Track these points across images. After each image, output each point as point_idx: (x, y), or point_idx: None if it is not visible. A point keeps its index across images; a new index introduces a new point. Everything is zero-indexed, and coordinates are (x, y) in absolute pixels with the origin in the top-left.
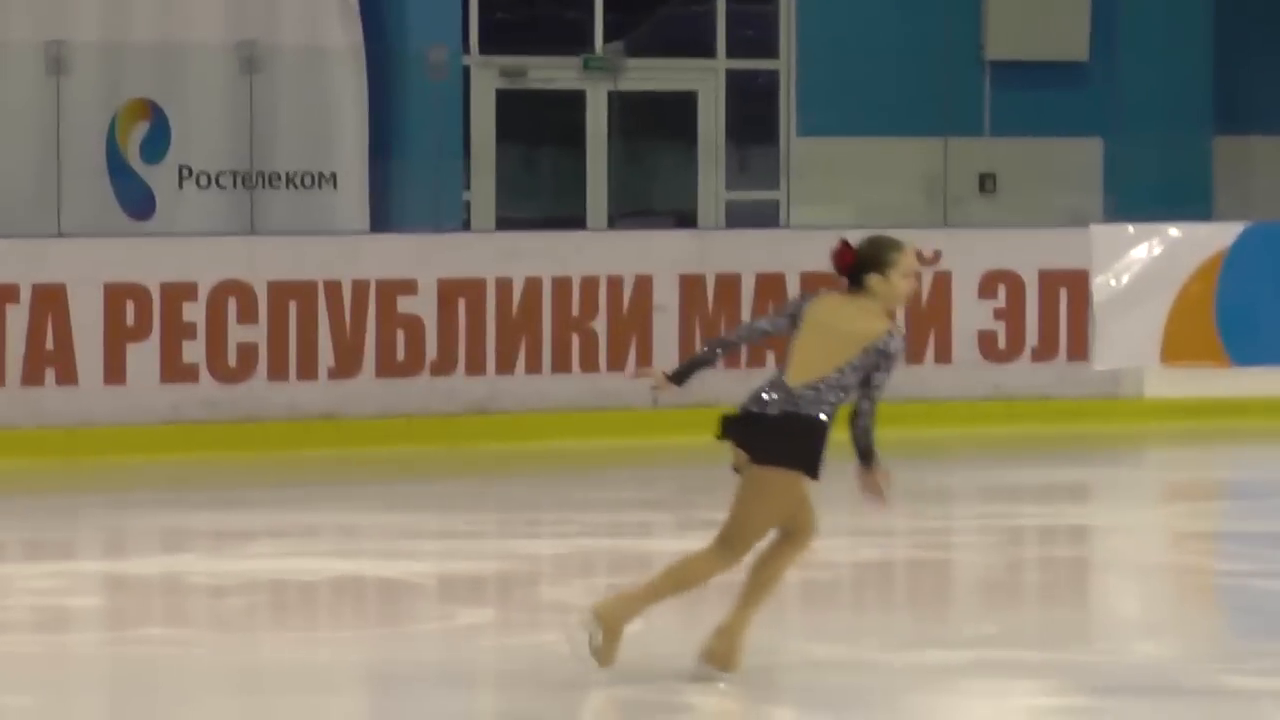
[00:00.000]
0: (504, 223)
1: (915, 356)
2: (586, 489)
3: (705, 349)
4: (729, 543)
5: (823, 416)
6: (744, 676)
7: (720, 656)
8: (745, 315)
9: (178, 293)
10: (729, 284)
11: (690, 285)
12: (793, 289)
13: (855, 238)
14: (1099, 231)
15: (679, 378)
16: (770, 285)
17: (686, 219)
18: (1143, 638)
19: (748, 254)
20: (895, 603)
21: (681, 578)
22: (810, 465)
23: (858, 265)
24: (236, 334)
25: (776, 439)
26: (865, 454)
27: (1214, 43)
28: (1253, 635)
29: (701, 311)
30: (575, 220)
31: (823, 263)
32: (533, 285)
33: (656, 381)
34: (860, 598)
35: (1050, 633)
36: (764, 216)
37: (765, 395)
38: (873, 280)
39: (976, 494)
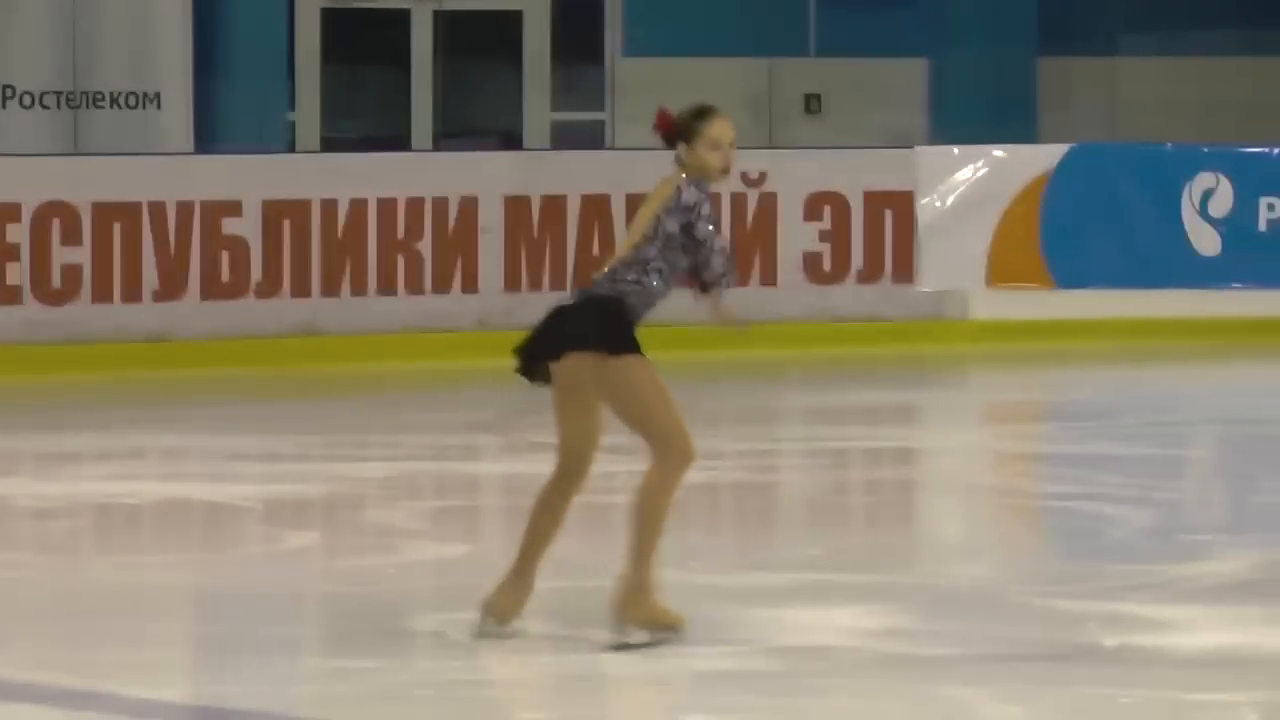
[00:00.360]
0: (328, 143)
1: (741, 279)
2: (412, 411)
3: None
4: (656, 442)
5: (615, 293)
6: (567, 599)
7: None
8: (571, 237)
9: (0, 214)
10: (554, 205)
11: (515, 206)
12: (618, 210)
13: None
14: (924, 153)
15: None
16: (596, 206)
17: (512, 139)
18: (967, 560)
19: (573, 175)
20: (721, 526)
21: (652, 512)
22: (612, 340)
23: (673, 135)
24: (61, 255)
25: (574, 325)
26: (707, 286)
27: None
28: (1076, 557)
29: (526, 233)
30: (400, 141)
31: (648, 183)
32: (358, 206)
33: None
34: (686, 520)
35: (875, 555)
36: (590, 137)
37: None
38: (681, 150)
39: (802, 416)
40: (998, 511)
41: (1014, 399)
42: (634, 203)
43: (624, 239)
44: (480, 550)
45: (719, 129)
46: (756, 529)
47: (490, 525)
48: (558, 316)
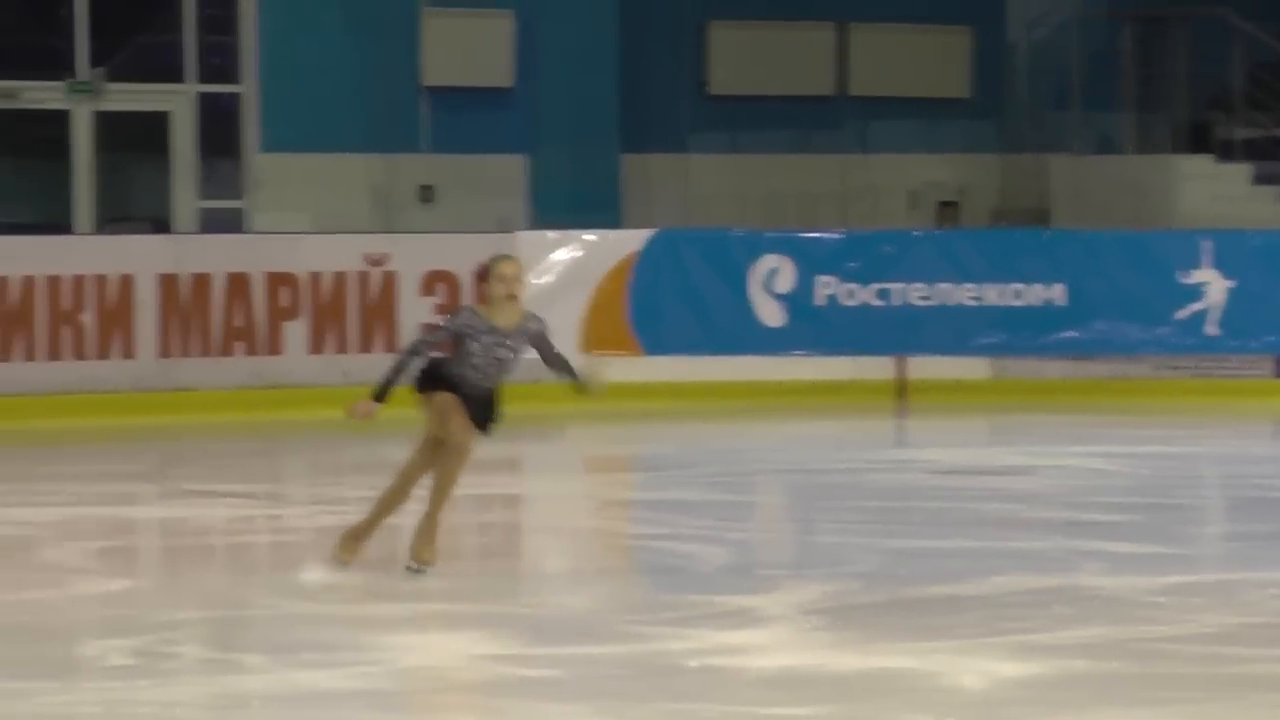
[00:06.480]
0: None
1: (368, 346)
2: (77, 463)
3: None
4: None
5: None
6: (218, 627)
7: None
8: (218, 311)
9: None
10: (202, 282)
11: (167, 283)
12: (257, 287)
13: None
14: (524, 237)
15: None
16: (238, 284)
17: (163, 225)
18: (567, 592)
19: (217, 256)
20: (351, 562)
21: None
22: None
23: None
24: None
25: None
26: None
27: (619, 72)
28: (660, 590)
29: (177, 307)
30: (63, 227)
31: (281, 263)
32: (28, 283)
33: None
34: (321, 557)
35: (486, 588)
36: (232, 222)
37: None
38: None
39: None
40: (593, 549)
41: (607, 452)
42: (272, 281)
43: None
44: (141, 584)
45: (504, 268)
46: (381, 566)
47: (149, 562)
48: None
